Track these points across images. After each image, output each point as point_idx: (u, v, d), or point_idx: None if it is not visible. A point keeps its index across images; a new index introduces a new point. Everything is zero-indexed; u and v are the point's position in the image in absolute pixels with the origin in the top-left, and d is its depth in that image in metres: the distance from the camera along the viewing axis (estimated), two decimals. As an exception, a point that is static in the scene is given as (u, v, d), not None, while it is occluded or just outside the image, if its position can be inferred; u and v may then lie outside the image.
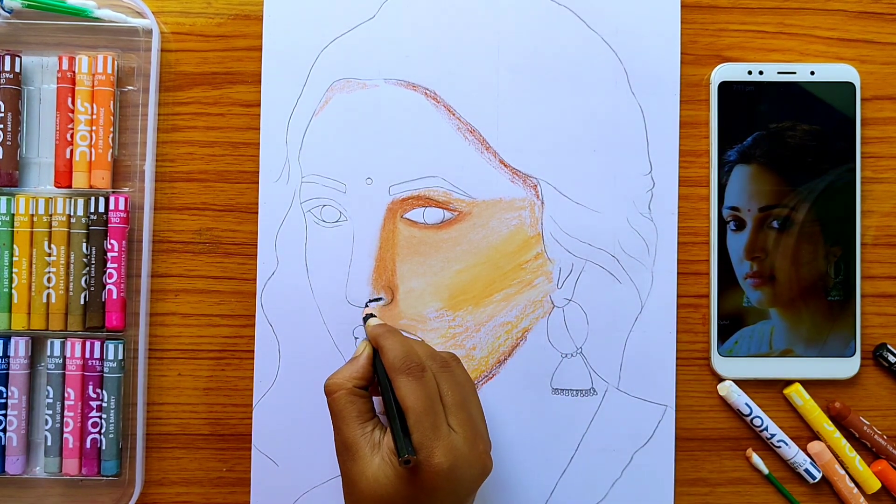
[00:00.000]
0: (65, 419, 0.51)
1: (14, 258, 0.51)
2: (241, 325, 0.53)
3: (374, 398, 0.47)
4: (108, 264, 0.52)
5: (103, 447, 0.51)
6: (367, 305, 0.52)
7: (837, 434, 0.53)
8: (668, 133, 0.53)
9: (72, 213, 0.51)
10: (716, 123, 0.53)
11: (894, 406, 0.54)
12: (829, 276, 0.53)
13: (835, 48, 0.54)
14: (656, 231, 0.53)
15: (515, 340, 0.53)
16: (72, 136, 0.52)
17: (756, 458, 0.53)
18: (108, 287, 0.51)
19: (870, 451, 0.53)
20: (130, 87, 0.53)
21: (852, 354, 0.53)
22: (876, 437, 0.53)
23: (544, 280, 0.53)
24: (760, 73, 0.53)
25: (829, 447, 0.53)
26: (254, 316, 0.53)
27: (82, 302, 0.51)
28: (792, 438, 0.53)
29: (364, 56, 0.53)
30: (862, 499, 0.53)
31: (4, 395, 0.51)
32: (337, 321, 0.52)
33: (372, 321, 0.50)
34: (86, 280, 0.52)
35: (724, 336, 0.53)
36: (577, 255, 0.53)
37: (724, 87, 0.53)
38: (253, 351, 0.52)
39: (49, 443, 0.51)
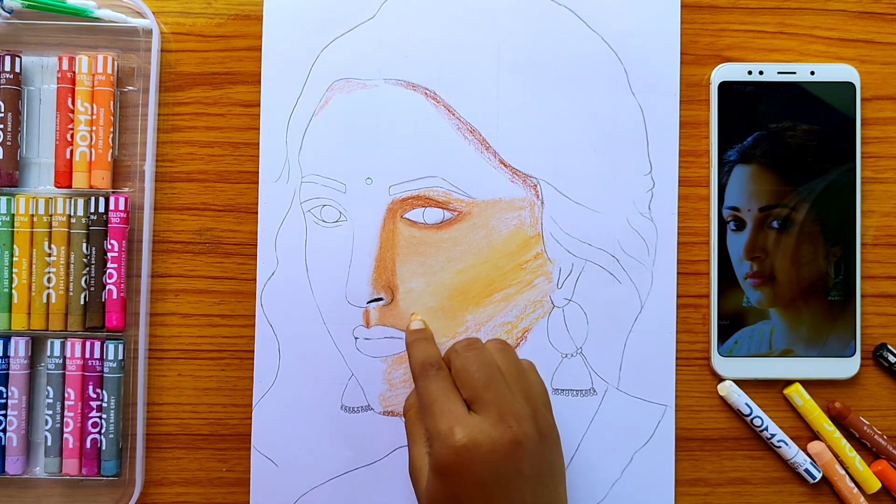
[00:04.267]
0: (65, 419, 0.51)
1: (14, 258, 0.51)
2: (241, 325, 0.53)
3: None
4: (108, 264, 0.52)
5: (103, 447, 0.51)
6: (367, 305, 0.52)
7: (837, 434, 0.53)
8: (668, 133, 0.53)
9: (72, 214, 0.51)
10: (716, 123, 0.53)
11: (894, 406, 0.54)
12: (829, 276, 0.53)
13: (835, 48, 0.54)
14: (656, 231, 0.53)
15: (515, 340, 0.53)
16: (72, 136, 0.52)
17: (417, 321, 0.51)
18: (108, 287, 0.51)
19: (870, 451, 0.53)
20: (130, 88, 0.53)
21: (852, 354, 0.53)
22: (876, 437, 0.53)
23: (544, 280, 0.53)
24: (760, 73, 0.53)
25: (829, 447, 0.53)
26: (254, 316, 0.53)
27: (82, 302, 0.51)
28: (792, 438, 0.53)
29: (364, 56, 0.53)
30: (862, 499, 0.53)
31: (4, 395, 0.51)
32: (337, 321, 0.52)
33: (412, 325, 0.50)
34: (86, 280, 0.52)
35: (724, 336, 0.53)
36: (577, 255, 0.53)
37: (724, 87, 0.53)
38: (253, 351, 0.52)
39: (49, 443, 0.51)
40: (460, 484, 0.41)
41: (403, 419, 0.47)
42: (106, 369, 0.51)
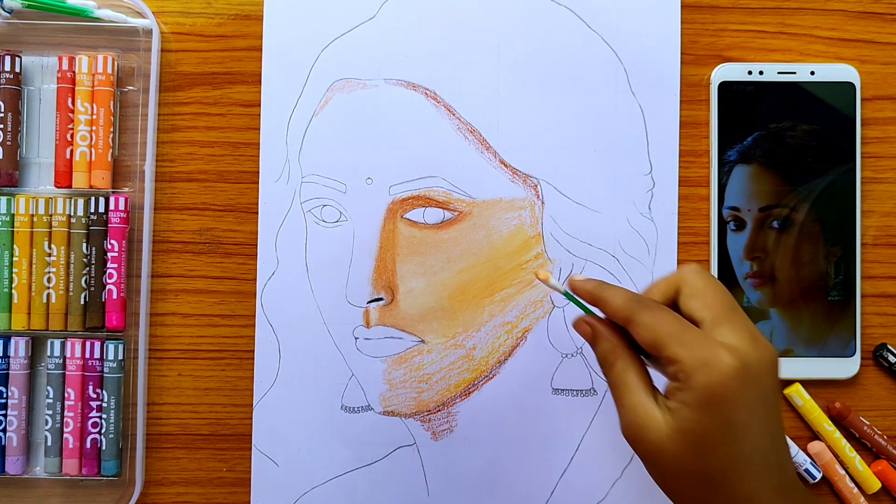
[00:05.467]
0: (65, 419, 0.51)
1: (14, 258, 0.51)
2: (241, 325, 0.53)
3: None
4: (108, 264, 0.52)
5: (103, 447, 0.51)
6: (367, 305, 0.52)
7: (837, 434, 0.53)
8: (668, 133, 0.53)
9: (72, 214, 0.51)
10: (716, 123, 0.53)
11: (894, 406, 0.54)
12: (829, 276, 0.53)
13: (835, 48, 0.54)
14: (656, 231, 0.53)
15: (515, 340, 0.53)
16: (72, 136, 0.52)
17: (553, 280, 0.45)
18: (108, 287, 0.51)
19: (870, 451, 0.53)
20: (130, 87, 0.53)
21: (852, 354, 0.53)
22: (876, 437, 0.53)
23: (544, 280, 0.53)
24: (760, 73, 0.53)
25: (829, 447, 0.53)
26: (254, 316, 0.53)
27: (82, 302, 0.51)
28: (792, 438, 0.53)
29: (364, 56, 0.53)
30: (862, 499, 0.53)
31: (4, 395, 0.51)
32: (337, 321, 0.52)
33: (576, 277, 0.45)
34: (86, 280, 0.52)
35: (724, 336, 0.53)
36: (577, 255, 0.53)
37: (724, 87, 0.53)
38: (253, 351, 0.52)
39: (49, 443, 0.51)
40: (734, 408, 0.38)
41: (604, 367, 0.42)
42: (106, 369, 0.51)
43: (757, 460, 0.38)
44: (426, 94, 0.53)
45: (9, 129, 0.51)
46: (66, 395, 0.51)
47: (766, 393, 0.39)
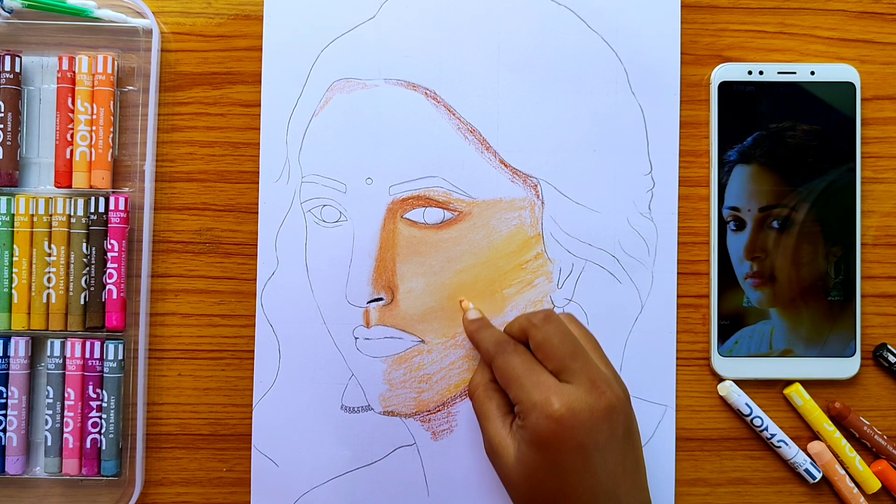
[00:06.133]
0: (65, 419, 0.51)
1: (14, 258, 0.51)
2: (241, 325, 0.53)
3: None
4: (108, 264, 0.52)
5: (103, 447, 0.51)
6: (367, 305, 0.52)
7: (837, 434, 0.53)
8: (668, 133, 0.53)
9: (72, 213, 0.51)
10: (716, 123, 0.53)
11: (894, 406, 0.54)
12: (829, 276, 0.53)
13: (835, 48, 0.54)
14: (656, 231, 0.53)
15: (515, 340, 0.53)
16: (72, 136, 0.52)
17: (473, 311, 0.52)
18: (108, 287, 0.51)
19: (870, 451, 0.53)
20: (130, 87, 0.53)
21: (852, 354, 0.53)
22: (876, 437, 0.53)
23: (544, 280, 0.53)
24: (760, 73, 0.53)
25: (829, 447, 0.53)
26: (254, 316, 0.53)
27: (82, 302, 0.51)
28: (792, 438, 0.53)
29: (364, 56, 0.53)
30: (862, 499, 0.53)
31: (4, 395, 0.51)
32: (337, 321, 0.52)
33: (469, 315, 0.51)
34: (86, 280, 0.52)
35: (724, 336, 0.53)
36: (577, 255, 0.53)
37: (724, 87, 0.53)
38: (253, 351, 0.52)
39: (49, 443, 0.51)
40: (560, 452, 0.42)
41: (471, 399, 0.48)
42: (106, 369, 0.51)
43: (584, 499, 0.42)
44: (426, 94, 0.53)
45: (9, 129, 0.51)
46: (66, 395, 0.51)
47: (598, 438, 0.42)
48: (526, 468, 0.44)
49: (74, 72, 0.52)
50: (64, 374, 0.51)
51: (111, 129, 0.52)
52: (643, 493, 0.45)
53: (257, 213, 0.53)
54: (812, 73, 0.53)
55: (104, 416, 0.51)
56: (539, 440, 0.43)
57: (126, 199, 0.52)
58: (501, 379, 0.46)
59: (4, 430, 0.51)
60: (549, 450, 0.43)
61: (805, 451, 0.53)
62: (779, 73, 0.53)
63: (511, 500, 0.46)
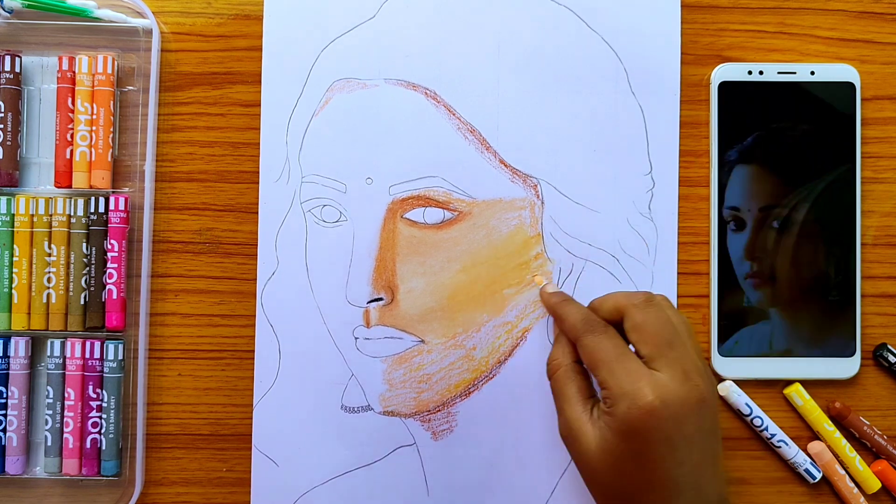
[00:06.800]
0: (65, 419, 0.51)
1: (14, 258, 0.51)
2: (241, 325, 0.53)
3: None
4: (108, 264, 0.52)
5: (103, 447, 0.51)
6: (367, 305, 0.52)
7: (837, 434, 0.53)
8: (668, 133, 0.53)
9: (72, 213, 0.51)
10: (716, 123, 0.53)
11: (894, 406, 0.54)
12: (829, 276, 0.53)
13: (835, 48, 0.54)
14: (656, 231, 0.53)
15: (515, 340, 0.53)
16: (72, 136, 0.52)
17: (551, 284, 0.51)
18: (108, 287, 0.51)
19: (870, 451, 0.53)
20: (130, 87, 0.53)
21: (852, 354, 0.53)
22: (876, 437, 0.53)
23: (544, 280, 0.53)
24: (760, 73, 0.53)
25: (829, 447, 0.53)
26: (254, 316, 0.53)
27: (82, 302, 0.51)
28: (792, 438, 0.53)
29: (364, 56, 0.53)
30: (862, 499, 0.53)
31: (4, 395, 0.51)
32: (337, 321, 0.52)
33: (548, 287, 0.50)
34: (86, 280, 0.52)
35: (724, 336, 0.53)
36: (577, 255, 0.53)
37: (724, 87, 0.53)
38: (253, 351, 0.52)
39: (49, 443, 0.51)
40: (648, 442, 0.41)
41: (550, 378, 0.47)
42: (106, 369, 0.51)
43: (671, 488, 0.42)
44: (426, 94, 0.53)
45: (9, 129, 0.51)
46: (66, 395, 0.51)
47: (686, 430, 0.42)
48: (610, 456, 0.42)
49: (74, 72, 0.52)
50: (64, 374, 0.51)
51: (111, 129, 0.52)
52: (723, 484, 0.44)
53: (257, 213, 0.53)
54: (812, 73, 0.53)
55: (104, 416, 0.51)
56: (627, 430, 0.42)
57: (126, 199, 0.52)
58: (588, 359, 0.44)
59: (4, 430, 0.51)
60: (637, 440, 0.42)
61: (805, 451, 0.53)
62: (779, 73, 0.53)
63: (588, 484, 0.45)
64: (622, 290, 0.50)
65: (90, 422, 0.51)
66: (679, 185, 0.53)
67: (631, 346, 0.45)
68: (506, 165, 0.53)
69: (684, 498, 0.42)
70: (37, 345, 0.52)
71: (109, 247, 0.52)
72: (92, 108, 0.52)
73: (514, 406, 0.53)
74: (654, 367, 0.43)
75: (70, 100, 0.52)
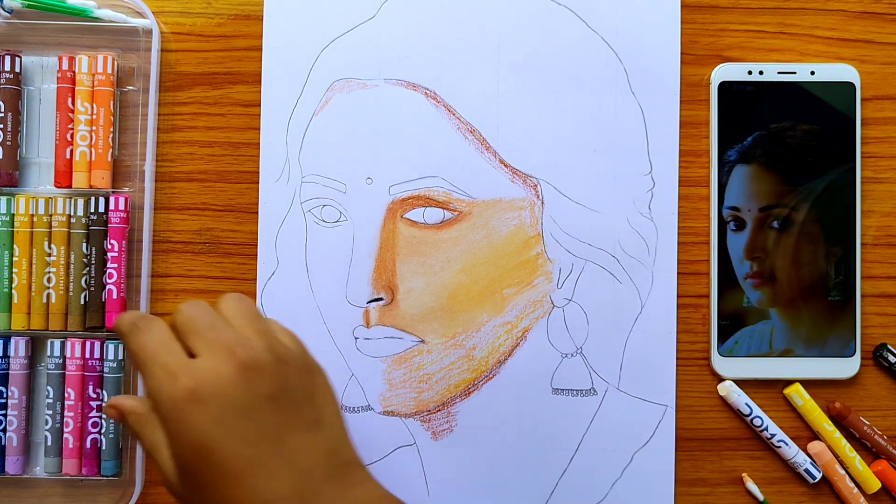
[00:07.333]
0: (65, 419, 0.51)
1: (14, 258, 0.51)
2: (241, 325, 0.53)
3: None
4: (108, 264, 0.51)
5: (103, 447, 0.51)
6: (367, 305, 0.52)
7: (837, 434, 0.53)
8: (668, 133, 0.53)
9: (72, 213, 0.51)
10: (716, 123, 0.53)
11: (894, 406, 0.54)
12: (829, 276, 0.53)
13: (835, 48, 0.54)
14: (656, 231, 0.53)
15: (515, 340, 0.53)
16: (72, 136, 0.52)
17: (751, 485, 0.53)
18: (108, 287, 0.51)
19: (870, 451, 0.53)
20: (130, 87, 0.53)
21: (852, 354, 0.53)
22: (876, 437, 0.53)
23: (544, 280, 0.53)
24: (760, 73, 0.53)
25: (829, 447, 0.53)
26: (254, 316, 0.52)
27: (82, 302, 0.51)
28: (792, 438, 0.53)
29: (364, 56, 0.53)
30: (862, 499, 0.53)
31: (4, 395, 0.51)
32: (337, 321, 0.52)
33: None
34: (86, 280, 0.52)
35: (724, 336, 0.53)
36: (577, 255, 0.53)
37: (724, 87, 0.53)
38: (253, 351, 0.52)
39: (49, 443, 0.51)
40: (199, 428, 0.38)
41: (126, 428, 0.43)
42: (106, 369, 0.51)
43: (238, 465, 0.37)
44: (426, 94, 0.53)
45: (9, 129, 0.51)
46: (66, 394, 0.51)
47: (237, 399, 0.38)
48: (181, 460, 0.38)
49: (74, 72, 0.52)
50: (64, 374, 0.51)
51: (111, 129, 0.52)
52: (321, 454, 0.39)
53: (257, 213, 0.53)
54: (812, 73, 0.53)
55: (104, 415, 0.51)
56: (175, 426, 0.38)
57: (126, 199, 0.52)
58: (135, 363, 0.40)
59: (4, 430, 0.51)
60: (188, 431, 0.38)
61: (805, 451, 0.53)
62: (779, 73, 0.53)
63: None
64: None
65: (90, 422, 0.51)
66: (679, 185, 0.53)
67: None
68: (506, 165, 0.53)
69: (265, 475, 0.38)
70: (37, 345, 0.52)
71: (109, 247, 0.52)
72: (92, 108, 0.52)
73: (514, 406, 0.53)
74: (198, 355, 0.39)
75: (70, 100, 0.52)
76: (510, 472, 0.53)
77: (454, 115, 0.53)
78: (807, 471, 0.52)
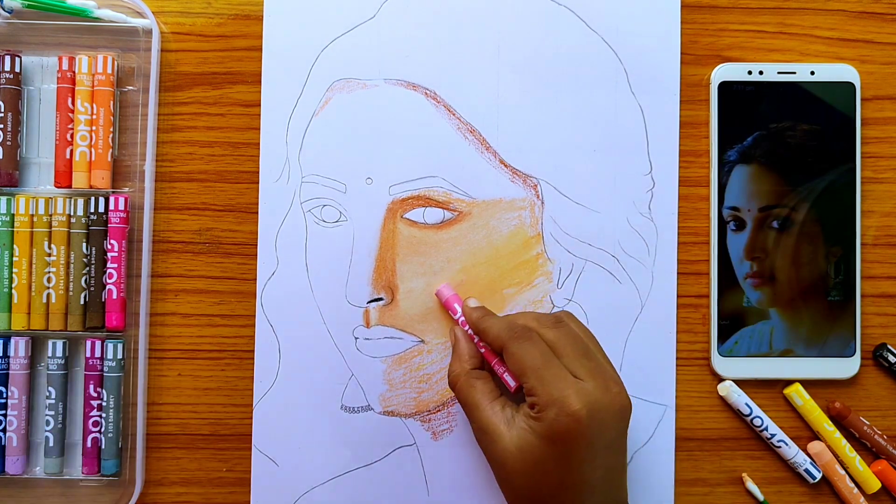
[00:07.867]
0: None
1: (14, 258, 0.51)
2: (241, 325, 0.53)
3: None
4: (108, 264, 0.52)
5: (103, 447, 0.51)
6: (367, 305, 0.52)
7: (837, 434, 0.53)
8: (668, 133, 0.53)
9: (72, 213, 0.51)
10: (716, 123, 0.53)
11: (894, 406, 0.54)
12: (829, 276, 0.53)
13: (835, 48, 0.54)
14: (656, 231, 0.53)
15: (515, 340, 0.53)
16: (72, 136, 0.52)
17: (751, 485, 0.53)
18: (108, 287, 0.51)
19: (870, 451, 0.53)
20: (130, 87, 0.53)
21: (852, 354, 0.53)
22: (876, 437, 0.53)
23: (544, 280, 0.53)
24: (760, 73, 0.53)
25: (829, 447, 0.53)
26: (254, 316, 0.53)
27: (82, 302, 0.51)
28: (792, 438, 0.53)
29: (364, 56, 0.53)
30: (862, 499, 0.53)
31: (4, 395, 0.51)
32: (337, 321, 0.52)
33: (470, 302, 0.51)
34: (86, 280, 0.52)
35: (724, 336, 0.53)
36: (577, 255, 0.53)
37: (724, 87, 0.53)
38: (253, 351, 0.52)
39: (50, 443, 0.51)
40: (571, 447, 0.43)
41: (452, 389, 0.49)
42: (106, 369, 0.51)
43: (585, 489, 0.44)
44: (426, 94, 0.53)
45: (9, 129, 0.51)
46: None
47: (607, 436, 0.44)
48: (530, 457, 0.44)
49: (74, 72, 0.52)
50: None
51: (111, 129, 0.52)
52: (625, 489, 0.47)
53: (257, 213, 0.53)
54: (812, 73, 0.53)
55: (104, 415, 0.51)
56: (553, 435, 0.43)
57: (126, 199, 0.52)
58: (516, 366, 0.46)
59: (4, 431, 0.51)
60: (561, 445, 0.43)
61: (805, 451, 0.53)
62: (779, 73, 0.53)
63: (500, 484, 0.47)
64: (535, 312, 0.52)
65: (90, 421, 0.51)
66: (679, 185, 0.53)
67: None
68: (506, 165, 0.53)
69: (595, 499, 0.44)
70: (37, 345, 0.52)
71: (109, 247, 0.52)
72: (92, 108, 0.52)
73: (514, 406, 0.53)
74: (578, 377, 0.45)
75: (70, 100, 0.52)
76: (510, 472, 0.53)
77: (454, 115, 0.53)
78: (807, 471, 0.52)
